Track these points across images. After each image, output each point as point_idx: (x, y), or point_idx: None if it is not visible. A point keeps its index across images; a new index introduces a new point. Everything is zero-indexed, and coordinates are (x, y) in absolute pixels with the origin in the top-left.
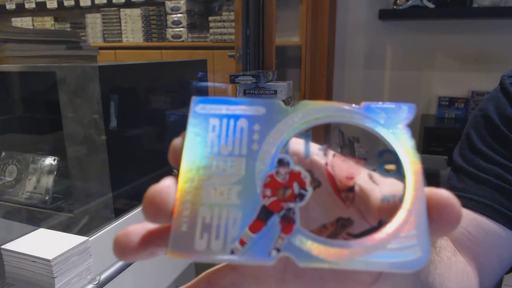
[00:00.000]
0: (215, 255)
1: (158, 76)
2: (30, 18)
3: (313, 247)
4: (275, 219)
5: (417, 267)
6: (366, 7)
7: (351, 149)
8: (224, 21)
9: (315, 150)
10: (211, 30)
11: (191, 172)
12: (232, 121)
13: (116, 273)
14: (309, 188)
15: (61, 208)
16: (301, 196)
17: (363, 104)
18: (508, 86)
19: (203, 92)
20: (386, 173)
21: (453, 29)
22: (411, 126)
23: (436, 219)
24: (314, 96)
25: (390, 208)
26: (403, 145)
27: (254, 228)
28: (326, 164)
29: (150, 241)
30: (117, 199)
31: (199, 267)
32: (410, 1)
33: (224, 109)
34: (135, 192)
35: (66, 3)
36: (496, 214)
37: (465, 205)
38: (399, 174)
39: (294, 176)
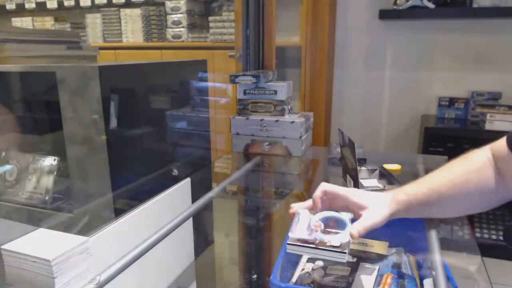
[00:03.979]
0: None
1: (158, 76)
2: (30, 18)
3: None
4: None
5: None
6: (366, 7)
7: (351, 149)
8: (224, 21)
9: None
10: (211, 30)
11: None
12: None
13: (116, 273)
14: None
15: (61, 208)
16: None
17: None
18: None
19: (203, 92)
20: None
21: (453, 29)
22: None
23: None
24: (314, 96)
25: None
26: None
27: None
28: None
29: None
30: (117, 199)
31: (199, 267)
32: (410, 1)
33: None
34: (135, 192)
35: (66, 3)
36: None
37: None
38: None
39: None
